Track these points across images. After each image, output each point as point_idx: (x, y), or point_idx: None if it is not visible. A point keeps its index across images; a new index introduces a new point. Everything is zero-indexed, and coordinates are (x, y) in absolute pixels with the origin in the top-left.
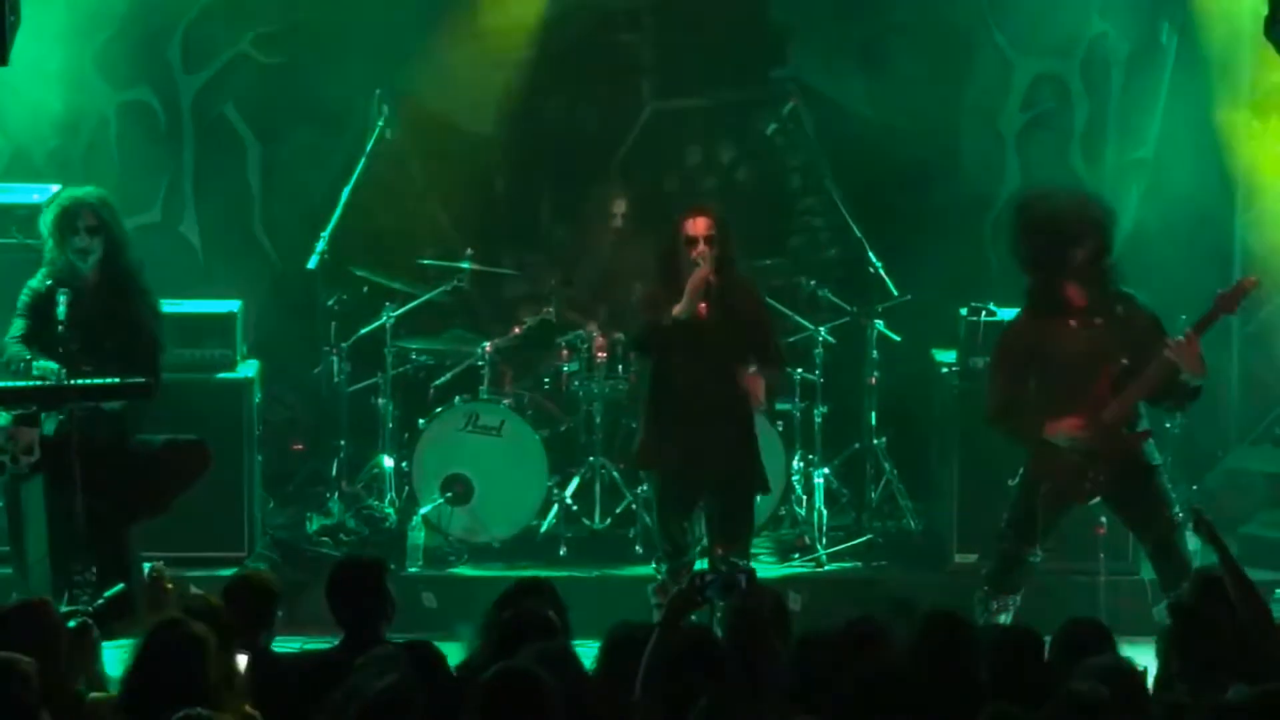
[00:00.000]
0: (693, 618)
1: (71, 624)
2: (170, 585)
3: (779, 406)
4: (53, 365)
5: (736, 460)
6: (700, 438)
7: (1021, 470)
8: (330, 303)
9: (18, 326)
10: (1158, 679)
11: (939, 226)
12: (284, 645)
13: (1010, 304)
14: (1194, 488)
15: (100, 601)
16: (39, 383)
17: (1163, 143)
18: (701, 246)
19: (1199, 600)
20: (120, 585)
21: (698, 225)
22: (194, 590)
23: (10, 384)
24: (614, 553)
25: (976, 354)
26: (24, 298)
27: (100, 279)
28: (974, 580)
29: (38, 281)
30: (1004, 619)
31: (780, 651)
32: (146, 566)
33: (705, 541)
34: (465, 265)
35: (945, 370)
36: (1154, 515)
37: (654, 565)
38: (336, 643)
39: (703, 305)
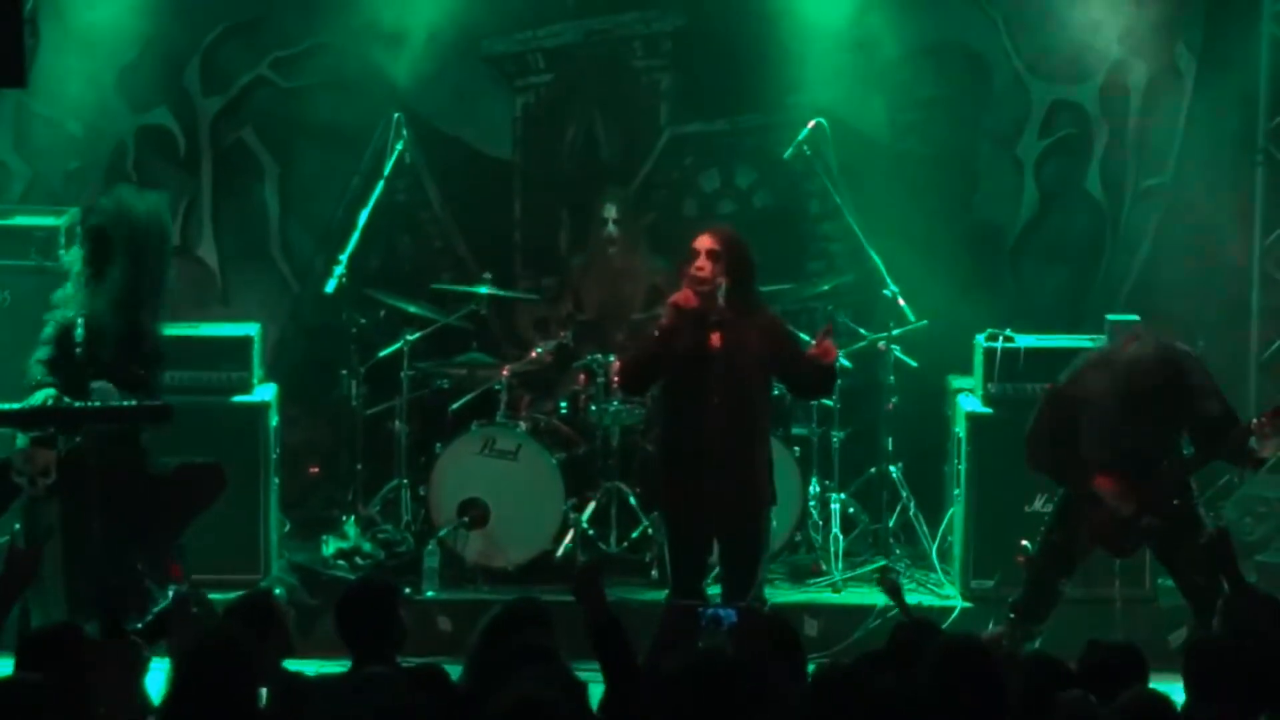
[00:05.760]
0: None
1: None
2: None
3: (796, 431)
4: (51, 392)
5: (745, 509)
6: (709, 489)
7: (1060, 499)
8: (349, 326)
9: (43, 353)
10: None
11: (956, 253)
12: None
13: (1027, 331)
14: (1210, 514)
15: (149, 618)
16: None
17: (1181, 169)
18: (701, 260)
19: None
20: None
21: (702, 240)
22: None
23: (28, 406)
24: (630, 577)
25: (994, 380)
26: (50, 329)
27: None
28: (990, 605)
29: (64, 317)
30: (1030, 648)
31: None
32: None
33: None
34: (483, 290)
35: (962, 396)
36: (1192, 562)
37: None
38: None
39: (715, 335)
